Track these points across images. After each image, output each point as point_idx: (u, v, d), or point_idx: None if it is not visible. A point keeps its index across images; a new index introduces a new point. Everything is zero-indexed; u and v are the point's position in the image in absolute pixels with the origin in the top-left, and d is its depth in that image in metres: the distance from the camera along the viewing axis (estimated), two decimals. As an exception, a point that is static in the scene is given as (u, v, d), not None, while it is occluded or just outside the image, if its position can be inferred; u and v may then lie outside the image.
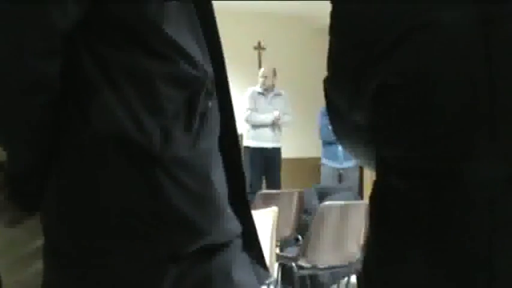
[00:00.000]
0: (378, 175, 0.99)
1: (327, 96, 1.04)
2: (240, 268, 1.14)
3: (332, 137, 6.32)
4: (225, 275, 1.10)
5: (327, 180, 6.53)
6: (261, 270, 1.22)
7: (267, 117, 6.34)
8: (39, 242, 1.19)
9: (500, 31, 0.86)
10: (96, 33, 1.02)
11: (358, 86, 0.97)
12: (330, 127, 4.90)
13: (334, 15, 1.00)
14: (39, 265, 1.20)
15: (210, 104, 1.10)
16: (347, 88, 1.00)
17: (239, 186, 1.20)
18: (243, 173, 1.24)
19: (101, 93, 1.01)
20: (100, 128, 1.01)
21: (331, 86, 1.03)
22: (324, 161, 6.69)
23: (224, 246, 1.11)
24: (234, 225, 1.15)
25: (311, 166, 7.49)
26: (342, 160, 6.44)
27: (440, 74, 0.88)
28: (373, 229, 0.99)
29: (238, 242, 1.16)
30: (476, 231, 0.86)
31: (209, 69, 1.12)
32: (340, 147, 6.18)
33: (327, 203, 4.05)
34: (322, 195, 4.84)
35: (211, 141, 1.11)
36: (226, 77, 1.21)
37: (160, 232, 1.03)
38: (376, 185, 0.99)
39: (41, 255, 1.17)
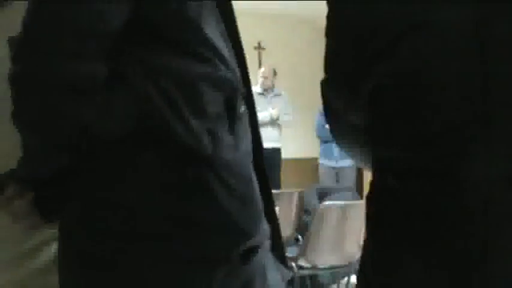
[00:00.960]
0: (374, 175, 0.99)
1: (324, 97, 1.04)
2: (270, 268, 1.14)
3: (328, 136, 6.40)
4: (263, 275, 1.11)
5: (324, 179, 6.55)
6: (285, 270, 1.23)
7: (265, 116, 6.34)
8: (32, 241, 1.20)
9: (495, 31, 0.86)
10: (137, 35, 1.01)
11: (354, 86, 0.98)
12: (325, 126, 4.92)
13: (330, 16, 1.00)
14: (32, 265, 1.20)
15: (243, 106, 1.10)
16: (343, 89, 1.01)
17: (265, 187, 1.20)
18: (267, 174, 1.24)
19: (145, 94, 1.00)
20: (145, 128, 1.00)
21: (328, 87, 1.04)
22: (321, 160, 6.71)
23: (259, 247, 1.12)
24: (267, 226, 1.16)
25: (311, 166, 7.48)
26: (338, 159, 6.46)
27: (434, 74, 0.88)
28: (369, 229, 0.99)
29: (268, 243, 1.17)
30: (470, 231, 0.86)
31: (237, 70, 1.11)
32: (335, 146, 6.21)
33: (327, 203, 4.05)
34: (322, 195, 4.84)
35: (248, 143, 1.11)
36: (248, 78, 1.19)
37: (210, 234, 1.02)
38: (373, 185, 0.99)
39: (34, 255, 1.17)
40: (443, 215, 0.88)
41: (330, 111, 1.06)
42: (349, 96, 1.00)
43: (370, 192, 0.99)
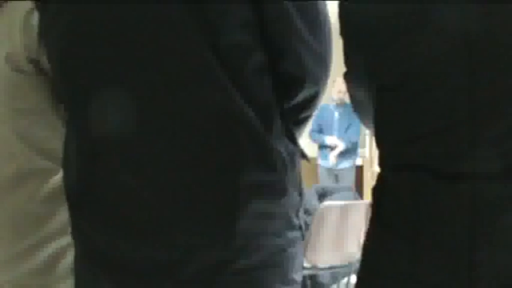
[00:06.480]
0: (379, 170, 1.03)
1: (348, 89, 1.11)
2: None
3: (320, 140, 6.47)
4: None
5: (323, 180, 6.56)
6: None
7: None
8: (31, 241, 1.20)
9: (484, 32, 0.88)
10: None
11: (365, 81, 1.02)
12: (317, 133, 4.97)
13: (339, 15, 1.04)
14: (31, 265, 1.20)
15: None
16: (359, 83, 1.06)
17: None
18: None
19: None
20: None
21: (348, 80, 1.09)
22: (319, 161, 6.73)
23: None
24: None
25: (311, 166, 7.49)
26: (337, 163, 6.50)
27: (424, 74, 0.91)
28: (370, 223, 1.02)
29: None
30: (457, 225, 0.89)
31: None
32: (330, 151, 6.51)
33: (326, 203, 4.05)
34: (322, 195, 4.84)
35: None
36: None
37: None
38: (377, 180, 1.02)
39: (33, 255, 1.17)
40: (430, 210, 0.91)
41: (354, 103, 1.12)
42: (366, 89, 1.04)
43: (374, 185, 1.02)
